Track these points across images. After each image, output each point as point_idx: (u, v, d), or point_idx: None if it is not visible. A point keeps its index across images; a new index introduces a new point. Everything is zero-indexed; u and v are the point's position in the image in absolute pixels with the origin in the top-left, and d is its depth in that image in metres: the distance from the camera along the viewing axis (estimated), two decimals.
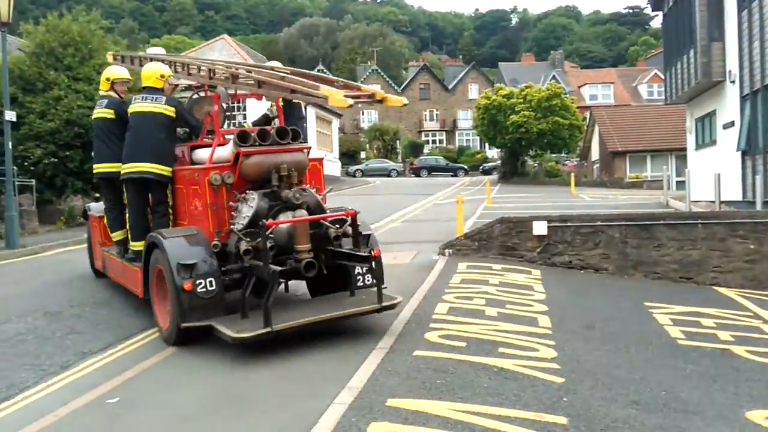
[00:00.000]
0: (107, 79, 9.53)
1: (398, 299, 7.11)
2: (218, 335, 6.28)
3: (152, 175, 7.93)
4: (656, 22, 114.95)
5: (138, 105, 8.21)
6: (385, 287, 6.93)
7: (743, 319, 8.58)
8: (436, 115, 72.19)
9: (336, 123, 46.71)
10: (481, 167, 55.46)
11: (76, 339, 7.43)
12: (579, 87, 61.92)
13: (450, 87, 72.86)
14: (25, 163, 18.49)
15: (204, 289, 6.52)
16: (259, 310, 6.16)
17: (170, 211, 8.20)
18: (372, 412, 4.71)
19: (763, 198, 14.92)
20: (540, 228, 11.32)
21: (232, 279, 6.78)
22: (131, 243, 8.42)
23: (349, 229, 6.98)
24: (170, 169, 8.03)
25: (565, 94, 39.70)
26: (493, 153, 59.54)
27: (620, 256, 11.21)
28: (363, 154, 58.35)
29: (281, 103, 8.18)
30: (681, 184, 25.00)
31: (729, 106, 17.79)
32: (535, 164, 44.35)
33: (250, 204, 6.90)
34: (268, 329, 6.07)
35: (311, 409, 4.94)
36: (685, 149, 24.04)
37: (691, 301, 9.50)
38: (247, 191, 7.08)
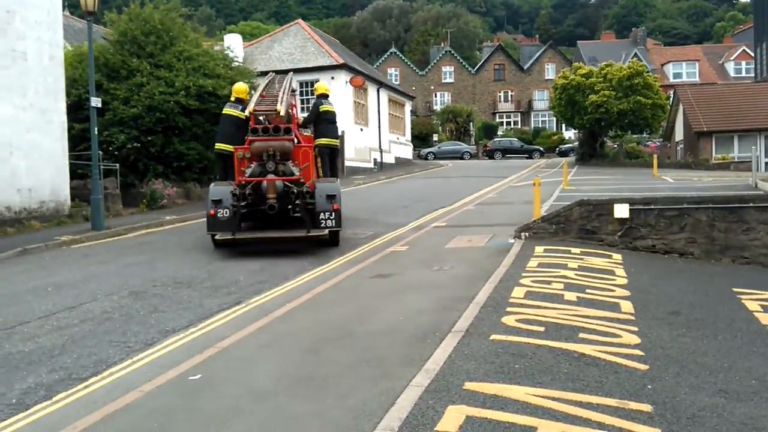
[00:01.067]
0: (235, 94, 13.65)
1: (324, 233, 11.26)
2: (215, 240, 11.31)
3: (225, 151, 12.78)
4: None
5: (228, 109, 13.17)
6: (339, 229, 11.62)
7: None
8: (511, 96, 70.91)
9: (408, 106, 46.47)
10: (557, 149, 54.24)
11: (159, 317, 7.66)
12: (662, 65, 59.59)
13: (525, 67, 71.36)
14: (110, 148, 19.02)
15: (222, 215, 11.24)
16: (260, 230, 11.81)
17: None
18: (449, 394, 4.68)
19: None
20: (621, 211, 11.00)
21: (231, 213, 11.19)
22: None
23: (306, 190, 11.34)
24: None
25: (648, 72, 38.17)
26: (570, 134, 58.17)
27: (707, 240, 10.78)
28: (435, 137, 58.01)
29: (308, 120, 14.28)
30: None
31: None
32: (615, 145, 43.03)
33: (250, 169, 11.45)
34: (232, 236, 11.07)
35: (388, 390, 4.97)
36: None
37: None
38: (254, 162, 11.46)
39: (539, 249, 10.48)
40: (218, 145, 12.98)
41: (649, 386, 5.03)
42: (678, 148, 40.75)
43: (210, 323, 7.40)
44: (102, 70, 19.61)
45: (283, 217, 11.51)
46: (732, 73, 56.90)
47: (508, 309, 6.94)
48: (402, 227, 14.23)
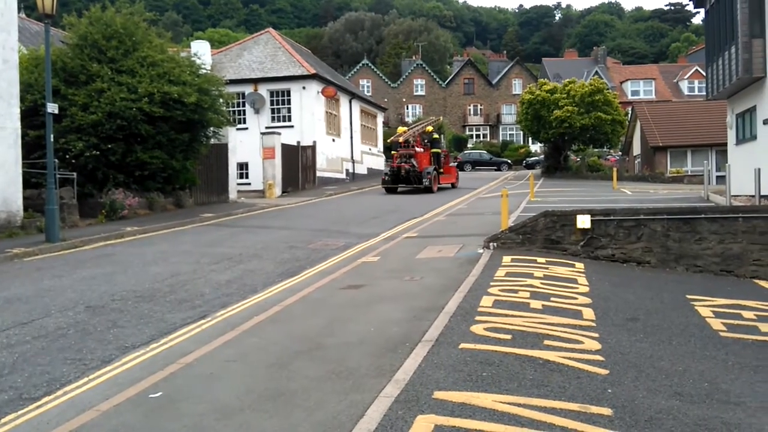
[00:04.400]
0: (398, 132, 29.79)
1: (422, 186, 26.71)
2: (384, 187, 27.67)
3: None
4: (698, 19, 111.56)
5: (393, 138, 29.51)
6: (431, 185, 26.67)
7: None
8: (480, 109, 71.33)
9: (381, 117, 45.68)
10: (524, 161, 54.70)
11: (118, 333, 7.15)
12: (621, 83, 60.56)
13: (494, 82, 71.81)
14: (67, 156, 17.48)
15: (387, 178, 27.76)
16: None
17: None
18: (419, 404, 4.62)
19: None
20: (584, 222, 11.15)
21: (390, 178, 27.61)
22: None
23: (417, 170, 27.04)
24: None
25: (608, 89, 38.78)
26: (536, 147, 58.70)
27: (662, 249, 10.97)
28: None
29: (424, 139, 29.52)
30: (721, 179, 24.21)
31: None
32: (578, 159, 43.56)
33: (397, 161, 27.71)
34: (386, 186, 27.65)
35: (357, 402, 4.84)
36: (725, 144, 23.28)
37: (732, 293, 9.28)
38: (399, 158, 27.85)
39: (507, 259, 10.54)
40: (394, 152, 28.24)
41: (609, 390, 5.08)
42: (636, 161, 41.43)
43: (173, 338, 6.95)
44: (60, 75, 18.10)
45: (409, 181, 26.84)
46: (686, 92, 58.04)
47: (477, 318, 6.94)
48: (373, 238, 14.11)
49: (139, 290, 9.24)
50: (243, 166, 28.71)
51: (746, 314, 8.04)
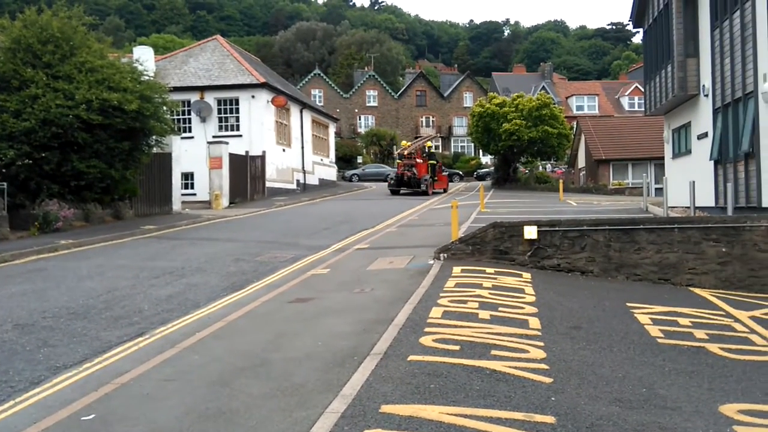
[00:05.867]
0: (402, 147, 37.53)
1: (419, 190, 33.09)
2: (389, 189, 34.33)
3: None
4: (637, 38, 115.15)
5: (399, 150, 37.36)
6: (427, 190, 33.14)
7: (717, 318, 8.65)
8: (432, 121, 71.83)
9: (332, 127, 45.18)
10: (475, 173, 55.35)
11: (48, 353, 6.76)
12: (566, 98, 61.90)
13: (445, 94, 72.41)
14: None
15: (392, 182, 34.45)
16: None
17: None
18: (365, 419, 4.52)
19: (734, 204, 14.93)
20: (530, 232, 11.32)
21: (395, 182, 34.23)
22: None
23: (416, 177, 33.44)
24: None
25: (554, 104, 39.63)
26: (486, 159, 59.47)
27: (604, 259, 11.23)
28: (360, 159, 58.05)
29: (423, 152, 36.27)
30: (659, 191, 25.00)
31: (703, 118, 17.79)
32: (527, 171, 44.31)
33: (401, 168, 34.33)
34: (391, 188, 34.32)
35: (302, 419, 4.69)
36: (663, 158, 24.05)
37: (669, 301, 9.55)
38: (402, 167, 34.38)
39: (457, 269, 10.57)
40: (399, 161, 35.16)
41: (553, 398, 5.12)
42: (581, 174, 42.40)
43: (108, 357, 6.63)
44: None
45: (410, 185, 32.94)
46: (626, 107, 59.70)
47: (426, 329, 6.89)
48: (324, 250, 13.89)
49: (73, 307, 8.75)
50: (188, 176, 27.56)
51: (682, 321, 8.30)
